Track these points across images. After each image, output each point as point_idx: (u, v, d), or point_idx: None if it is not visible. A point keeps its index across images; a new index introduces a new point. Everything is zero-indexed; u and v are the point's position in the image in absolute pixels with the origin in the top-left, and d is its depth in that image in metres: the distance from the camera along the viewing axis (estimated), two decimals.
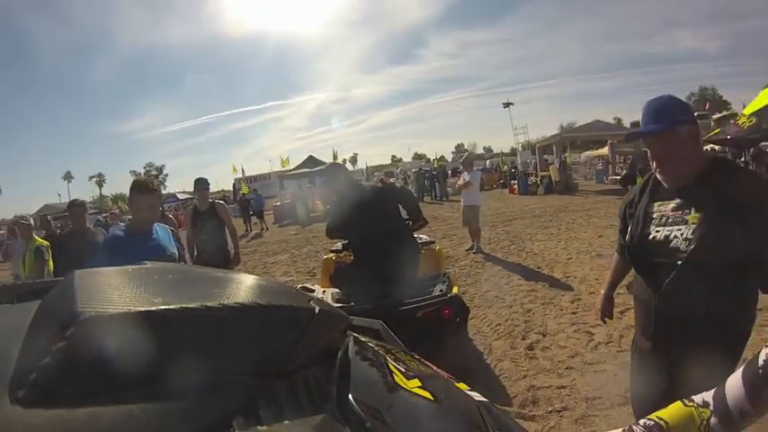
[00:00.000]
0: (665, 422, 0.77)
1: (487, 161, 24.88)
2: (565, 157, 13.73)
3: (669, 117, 1.41)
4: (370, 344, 0.92)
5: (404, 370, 0.84)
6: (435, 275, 3.18)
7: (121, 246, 2.39)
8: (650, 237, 1.48)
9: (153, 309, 0.53)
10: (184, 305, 0.55)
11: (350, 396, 0.63)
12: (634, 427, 0.79)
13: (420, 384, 0.80)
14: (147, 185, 2.56)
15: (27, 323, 0.56)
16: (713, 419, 0.75)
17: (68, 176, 57.45)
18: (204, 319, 0.55)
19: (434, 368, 1.04)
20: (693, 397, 0.80)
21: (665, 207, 1.48)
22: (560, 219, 9.53)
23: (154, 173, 58.62)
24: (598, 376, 2.90)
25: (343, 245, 3.70)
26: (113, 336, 0.48)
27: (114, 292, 0.59)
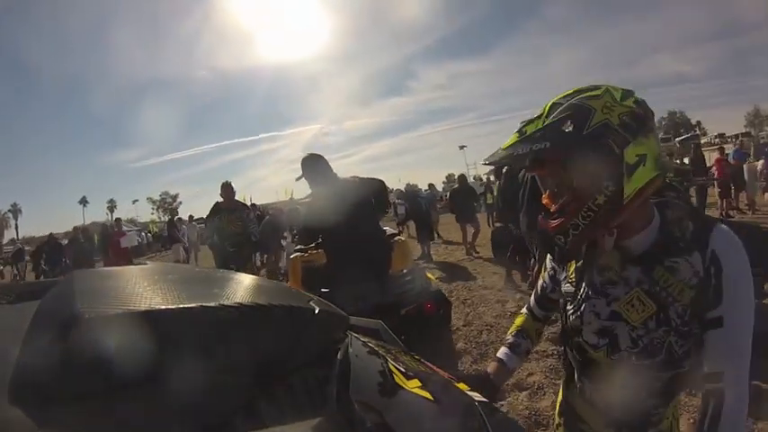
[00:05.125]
0: (522, 327, 1.12)
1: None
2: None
3: None
4: (370, 344, 0.92)
5: (404, 370, 0.84)
6: (411, 271, 3.11)
7: None
8: None
9: (153, 309, 0.53)
10: (184, 305, 0.55)
11: (350, 396, 0.63)
12: (505, 342, 1.12)
13: (420, 384, 0.80)
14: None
15: (27, 323, 0.56)
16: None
17: (84, 201, 63.27)
18: (204, 319, 0.55)
19: (434, 368, 1.04)
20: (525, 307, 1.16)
21: None
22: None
23: (169, 200, 63.36)
24: None
25: (308, 246, 3.58)
26: (114, 336, 0.48)
27: (114, 292, 0.59)
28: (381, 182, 3.20)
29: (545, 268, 1.07)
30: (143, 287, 0.62)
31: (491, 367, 1.10)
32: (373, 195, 3.04)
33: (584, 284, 0.90)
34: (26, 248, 13.58)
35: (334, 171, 2.95)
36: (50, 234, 12.05)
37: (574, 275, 0.94)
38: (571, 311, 0.94)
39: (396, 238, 3.62)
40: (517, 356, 1.09)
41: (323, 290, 2.71)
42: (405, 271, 3.05)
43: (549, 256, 1.01)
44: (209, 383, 0.51)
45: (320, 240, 3.23)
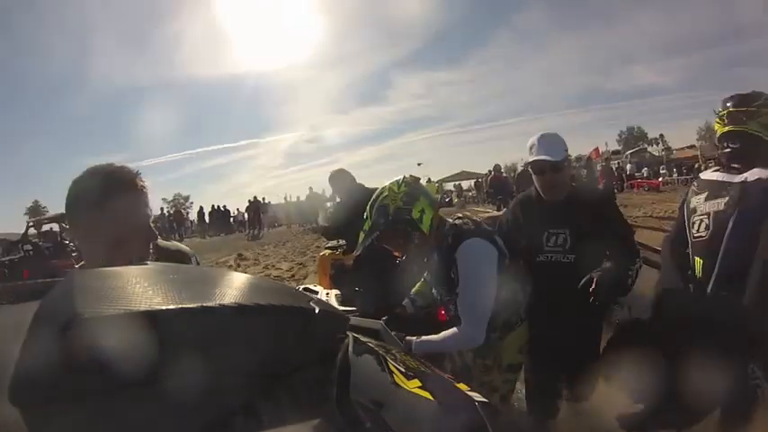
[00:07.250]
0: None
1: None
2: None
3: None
4: (370, 344, 0.92)
5: (404, 370, 0.84)
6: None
7: None
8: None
9: (152, 309, 0.53)
10: (184, 305, 0.55)
11: (350, 396, 0.63)
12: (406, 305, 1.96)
13: (420, 384, 0.80)
14: None
15: (27, 323, 0.56)
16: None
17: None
18: (203, 319, 0.55)
19: (434, 368, 1.04)
20: None
21: None
22: None
23: (181, 200, 64.43)
24: None
25: (339, 244, 3.80)
26: (113, 336, 0.48)
27: (114, 292, 0.59)
28: None
29: None
30: (143, 287, 0.62)
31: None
32: None
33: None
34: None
35: (359, 182, 3.43)
36: None
37: None
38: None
39: None
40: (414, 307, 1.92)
41: (356, 288, 3.08)
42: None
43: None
44: (209, 384, 0.51)
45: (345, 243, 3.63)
